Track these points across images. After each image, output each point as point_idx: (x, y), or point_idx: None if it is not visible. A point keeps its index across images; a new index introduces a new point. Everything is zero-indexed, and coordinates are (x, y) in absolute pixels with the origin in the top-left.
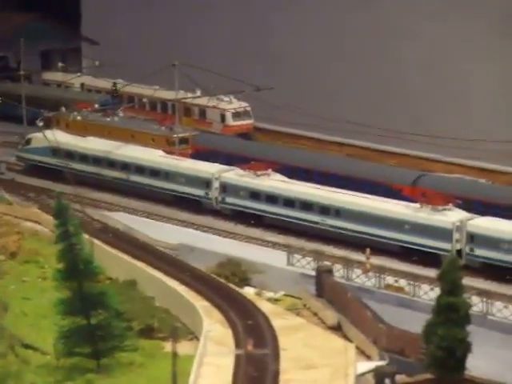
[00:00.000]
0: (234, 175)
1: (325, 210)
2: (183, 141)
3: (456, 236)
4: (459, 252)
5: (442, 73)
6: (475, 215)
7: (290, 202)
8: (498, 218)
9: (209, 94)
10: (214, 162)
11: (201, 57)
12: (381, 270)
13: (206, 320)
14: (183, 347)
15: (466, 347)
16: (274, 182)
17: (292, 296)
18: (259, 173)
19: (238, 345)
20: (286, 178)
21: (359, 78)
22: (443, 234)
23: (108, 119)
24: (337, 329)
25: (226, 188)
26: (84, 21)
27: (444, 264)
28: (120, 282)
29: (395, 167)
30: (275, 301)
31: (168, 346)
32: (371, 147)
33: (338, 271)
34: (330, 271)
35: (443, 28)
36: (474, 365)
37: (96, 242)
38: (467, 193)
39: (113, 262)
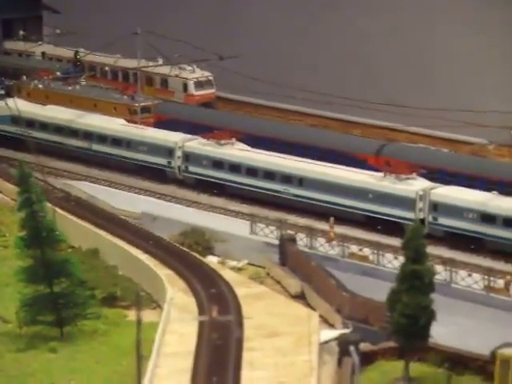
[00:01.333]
0: (197, 144)
1: (288, 179)
2: (145, 110)
3: (419, 205)
4: (422, 221)
5: (404, 44)
6: (438, 184)
7: (252, 171)
8: (461, 188)
9: (171, 63)
10: (176, 131)
11: (164, 25)
12: (345, 239)
13: (169, 288)
14: (146, 315)
15: (429, 315)
16: (237, 151)
17: (255, 265)
18: (222, 142)
19: (201, 312)
20: (249, 148)
21: (322, 49)
22: (406, 203)
23: (70, 88)
24: (300, 297)
25: (188, 157)
26: None
27: (408, 232)
28: (83, 251)
29: (359, 137)
30: (238, 269)
31: (131, 315)
32: (334, 117)
33: (302, 240)
34: (293, 240)
35: (405, 0)
36: (438, 332)
37: (58, 210)
38: (431, 162)
39: (75, 231)
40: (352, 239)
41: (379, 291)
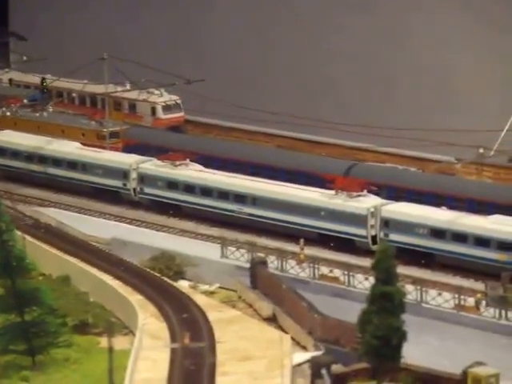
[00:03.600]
0: (152, 166)
1: (241, 198)
2: (114, 135)
3: (371, 222)
4: (374, 237)
5: (370, 63)
6: (390, 201)
7: (207, 192)
8: (411, 204)
9: (139, 88)
10: (145, 156)
11: (131, 50)
12: (315, 261)
13: (140, 314)
14: (118, 342)
15: (401, 335)
16: (191, 172)
17: (227, 288)
18: (177, 163)
19: (173, 338)
20: (203, 168)
21: (287, 70)
22: (358, 219)
23: (37, 114)
24: (272, 320)
25: (143, 179)
26: (11, 16)
27: (377, 253)
28: (53, 278)
29: (327, 158)
30: (210, 293)
31: (103, 342)
32: (302, 138)
33: (272, 262)
34: (264, 263)
35: (368, 18)
36: (410, 352)
37: (28, 238)
38: (399, 181)
39: (45, 258)
40: (322, 260)
41: (351, 312)
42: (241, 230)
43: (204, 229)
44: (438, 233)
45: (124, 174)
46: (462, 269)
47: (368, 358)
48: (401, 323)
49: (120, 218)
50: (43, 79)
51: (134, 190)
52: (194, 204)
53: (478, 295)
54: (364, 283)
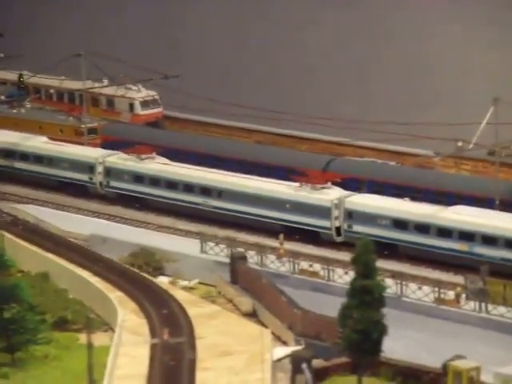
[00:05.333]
0: (118, 159)
1: (207, 191)
2: (92, 131)
3: (335, 213)
4: (338, 229)
5: (348, 57)
6: (353, 192)
7: (173, 185)
8: (374, 195)
9: (117, 84)
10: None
11: (108, 46)
12: (295, 255)
13: (120, 310)
14: (98, 338)
15: (381, 329)
16: (157, 165)
17: (206, 284)
18: (143, 156)
19: (153, 334)
20: (168, 161)
21: (265, 65)
22: (322, 211)
23: (15, 111)
24: (252, 315)
25: (109, 172)
26: None
27: (357, 247)
28: (32, 275)
29: (306, 153)
30: (190, 289)
31: (83, 338)
32: (281, 133)
33: (252, 257)
34: (243, 258)
35: (347, 15)
36: (390, 346)
37: (6, 234)
38: (378, 175)
39: (24, 255)
40: (302, 255)
41: (330, 307)
42: (220, 226)
43: (183, 224)
44: (400, 224)
45: (90, 168)
46: (425, 259)
47: (348, 353)
48: (381, 317)
49: (99, 215)
50: (20, 75)
51: (100, 183)
52: (160, 197)
53: (458, 288)
54: (344, 277)
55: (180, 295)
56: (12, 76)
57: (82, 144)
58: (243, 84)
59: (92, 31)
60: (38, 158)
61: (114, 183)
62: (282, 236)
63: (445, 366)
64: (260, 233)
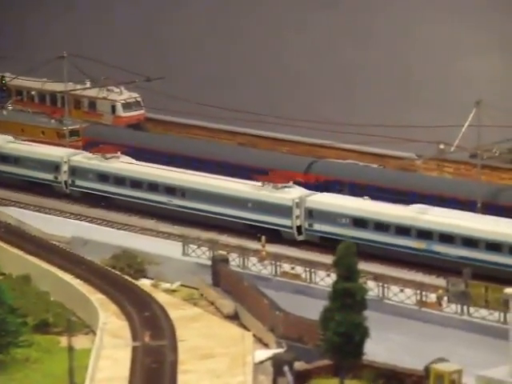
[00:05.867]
0: (83, 158)
1: (171, 190)
2: (74, 133)
3: (296, 212)
4: (299, 228)
5: (329, 59)
6: (314, 192)
7: (137, 184)
8: (335, 194)
9: (99, 86)
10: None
11: (90, 48)
12: (277, 258)
13: (101, 313)
14: (79, 341)
15: (363, 332)
16: (121, 164)
17: (188, 286)
18: (108, 156)
19: (135, 337)
20: (133, 161)
21: (248, 67)
22: (284, 210)
23: None
24: (234, 317)
25: (74, 171)
26: None
27: (339, 249)
28: (13, 278)
29: (288, 155)
30: (172, 291)
31: (64, 341)
32: (263, 135)
33: (234, 260)
34: (225, 260)
35: (330, 17)
36: (372, 349)
37: None
38: (360, 178)
39: (5, 257)
40: (284, 257)
41: (313, 309)
42: (202, 228)
43: (165, 227)
44: (359, 222)
45: (55, 167)
46: (384, 258)
47: (330, 355)
48: (363, 320)
49: (80, 217)
50: (2, 77)
51: (65, 182)
52: (125, 196)
53: (440, 291)
54: (326, 280)
55: (162, 298)
56: None
57: (64, 146)
58: (227, 86)
59: (75, 33)
60: (3, 158)
61: (78, 182)
62: (264, 238)
63: (427, 369)
64: (241, 235)
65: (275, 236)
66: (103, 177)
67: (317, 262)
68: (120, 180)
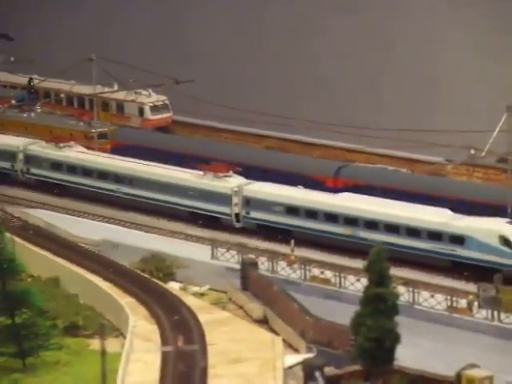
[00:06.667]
0: (38, 147)
1: (119, 178)
2: (102, 136)
3: (235, 200)
4: (237, 215)
5: (361, 64)
6: (253, 181)
7: (88, 172)
8: (271, 183)
9: (127, 88)
10: (134, 157)
11: (119, 51)
12: (306, 262)
13: (131, 316)
14: (109, 344)
15: (394, 338)
16: (74, 153)
17: (217, 290)
18: (61, 145)
19: (164, 341)
20: (85, 150)
21: (276, 70)
22: (224, 198)
23: (25, 115)
24: (263, 322)
25: (29, 160)
26: None
27: (371, 254)
28: (43, 280)
29: (317, 159)
30: (200, 295)
31: (93, 344)
32: (292, 139)
33: (263, 264)
34: (254, 264)
35: (355, 19)
36: (403, 354)
37: (17, 239)
38: (389, 182)
39: (35, 260)
40: (313, 262)
41: (342, 314)
42: (230, 232)
43: (194, 230)
44: (292, 210)
45: (12, 156)
46: (316, 244)
47: (361, 360)
48: (394, 325)
49: (110, 220)
50: (30, 80)
51: (21, 170)
52: (77, 184)
53: (470, 297)
54: (355, 285)
55: (191, 301)
56: (22, 80)
57: (92, 149)
58: (254, 89)
59: (102, 35)
60: None
61: (33, 170)
62: (292, 242)
63: (458, 375)
64: (271, 239)
65: (215, 223)
66: (56, 165)
67: (346, 266)
68: (72, 168)
